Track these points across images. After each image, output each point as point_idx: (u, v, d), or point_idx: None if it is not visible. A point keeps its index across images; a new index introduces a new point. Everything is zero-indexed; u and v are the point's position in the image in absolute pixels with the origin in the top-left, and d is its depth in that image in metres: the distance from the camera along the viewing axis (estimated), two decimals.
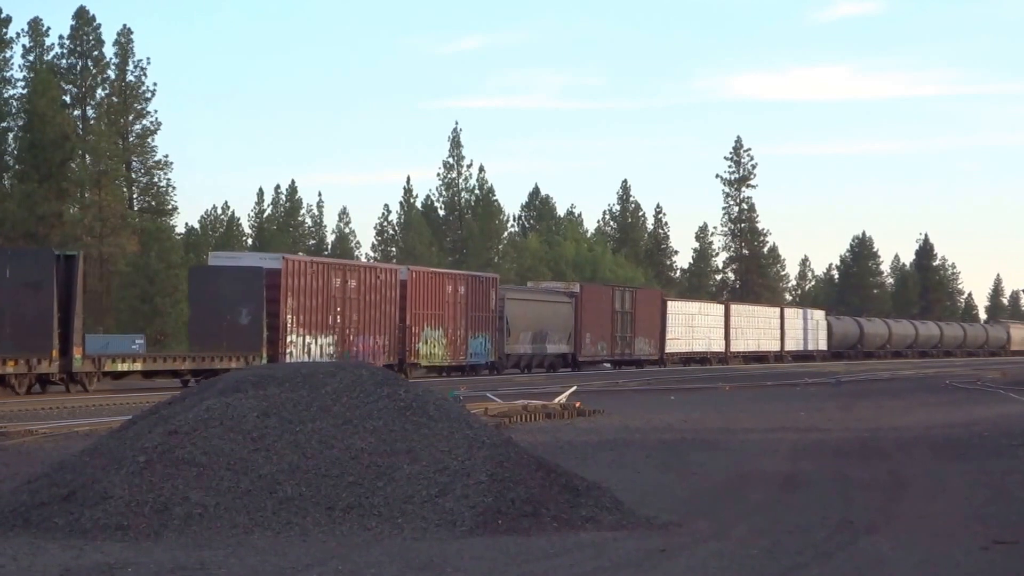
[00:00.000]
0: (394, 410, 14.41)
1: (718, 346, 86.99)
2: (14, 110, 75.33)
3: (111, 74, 79.54)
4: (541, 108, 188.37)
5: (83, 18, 78.58)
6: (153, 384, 41.76)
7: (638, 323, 74.51)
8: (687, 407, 35.21)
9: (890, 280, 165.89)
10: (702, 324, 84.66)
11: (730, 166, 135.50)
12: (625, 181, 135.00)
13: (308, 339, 45.94)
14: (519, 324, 61.11)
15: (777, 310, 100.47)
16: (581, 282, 74.46)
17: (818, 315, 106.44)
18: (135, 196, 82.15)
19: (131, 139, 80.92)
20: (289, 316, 44.94)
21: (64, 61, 78.40)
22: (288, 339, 44.77)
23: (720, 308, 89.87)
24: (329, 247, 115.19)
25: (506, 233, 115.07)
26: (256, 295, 43.69)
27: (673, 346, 79.95)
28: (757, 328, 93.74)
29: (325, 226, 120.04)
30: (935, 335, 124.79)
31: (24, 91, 75.50)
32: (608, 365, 71.85)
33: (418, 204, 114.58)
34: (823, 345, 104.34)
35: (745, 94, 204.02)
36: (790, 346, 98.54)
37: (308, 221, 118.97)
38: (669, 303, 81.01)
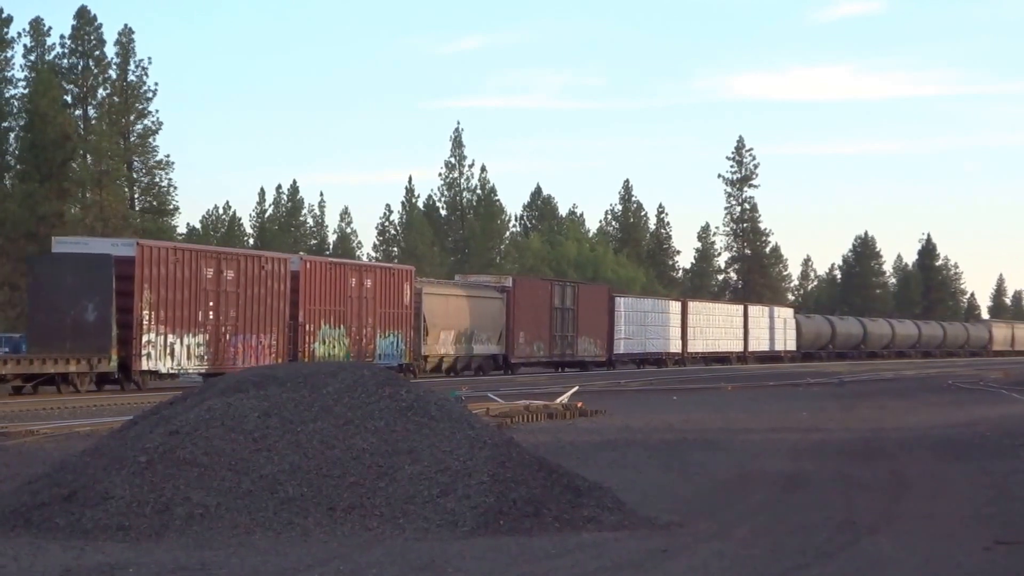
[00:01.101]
0: (395, 410, 14.40)
1: (675, 346, 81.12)
2: (15, 110, 75.39)
3: (112, 74, 79.63)
4: (543, 108, 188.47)
5: (84, 18, 78.63)
6: (153, 384, 41.66)
7: (581, 321, 68.10)
8: (689, 407, 35.20)
9: (893, 280, 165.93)
10: (656, 322, 78.60)
11: (732, 166, 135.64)
12: (627, 181, 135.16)
13: (171, 338, 40.01)
14: (439, 322, 55.10)
15: (740, 308, 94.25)
16: (514, 275, 68.69)
17: (785, 313, 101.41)
18: (136, 196, 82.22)
19: (132, 139, 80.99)
20: (146, 312, 39.03)
21: (65, 61, 78.46)
22: (145, 339, 39.02)
23: (677, 305, 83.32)
24: (331, 247, 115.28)
25: (508, 233, 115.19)
26: (104, 287, 37.98)
27: (623, 346, 73.75)
28: (718, 327, 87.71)
29: (327, 226, 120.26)
30: (912, 335, 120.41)
31: (25, 91, 75.57)
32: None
33: (420, 204, 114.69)
34: (792, 345, 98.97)
35: (746, 94, 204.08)
36: (755, 346, 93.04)
37: (310, 221, 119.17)
38: (618, 299, 74.70)
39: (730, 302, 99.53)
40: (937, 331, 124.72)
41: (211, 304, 41.73)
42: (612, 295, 74.54)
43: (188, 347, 40.81)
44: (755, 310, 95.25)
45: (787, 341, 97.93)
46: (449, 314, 55.93)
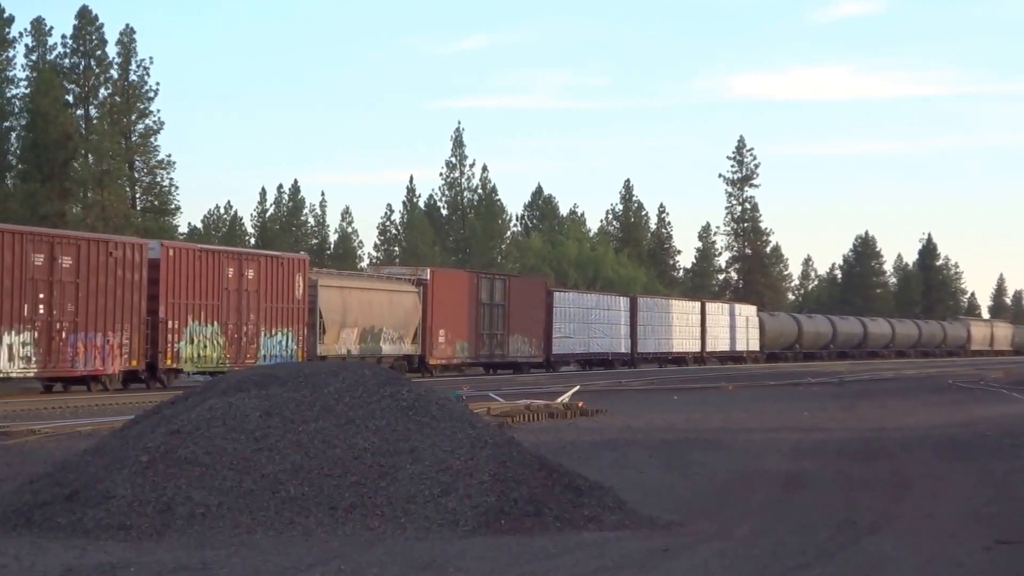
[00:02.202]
0: (396, 410, 14.42)
1: (623, 345, 75.23)
2: (17, 110, 75.39)
3: (114, 74, 79.58)
4: (543, 108, 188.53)
5: (86, 18, 78.62)
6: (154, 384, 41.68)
7: (513, 318, 62.00)
8: (689, 407, 35.21)
9: (893, 280, 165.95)
10: (601, 320, 72.46)
11: (733, 166, 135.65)
12: (628, 181, 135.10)
13: None
14: (340, 318, 49.31)
15: (697, 304, 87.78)
16: (433, 267, 62.20)
17: (748, 311, 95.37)
18: (138, 196, 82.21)
19: (134, 139, 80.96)
20: None
21: (67, 61, 78.43)
22: None
23: (625, 301, 76.98)
24: (332, 247, 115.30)
25: (509, 233, 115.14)
26: None
27: (563, 346, 67.78)
28: (671, 325, 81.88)
29: (328, 226, 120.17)
30: (886, 334, 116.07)
31: (27, 91, 75.56)
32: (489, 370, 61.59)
33: (421, 204, 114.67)
34: (755, 345, 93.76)
35: (747, 94, 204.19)
36: (713, 346, 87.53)
37: (311, 221, 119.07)
38: (556, 294, 68.85)
39: (686, 299, 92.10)
40: (912, 330, 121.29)
41: (41, 296, 36.38)
42: (550, 290, 69.08)
43: (10, 347, 35.46)
44: (713, 307, 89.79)
45: (749, 341, 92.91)
46: (352, 309, 50.01)
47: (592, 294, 77.14)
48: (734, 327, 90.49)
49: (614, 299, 76.22)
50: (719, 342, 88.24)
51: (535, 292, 66.14)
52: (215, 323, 42.40)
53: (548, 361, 65.74)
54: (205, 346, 41.99)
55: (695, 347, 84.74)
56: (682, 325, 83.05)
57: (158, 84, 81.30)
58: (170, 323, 40.47)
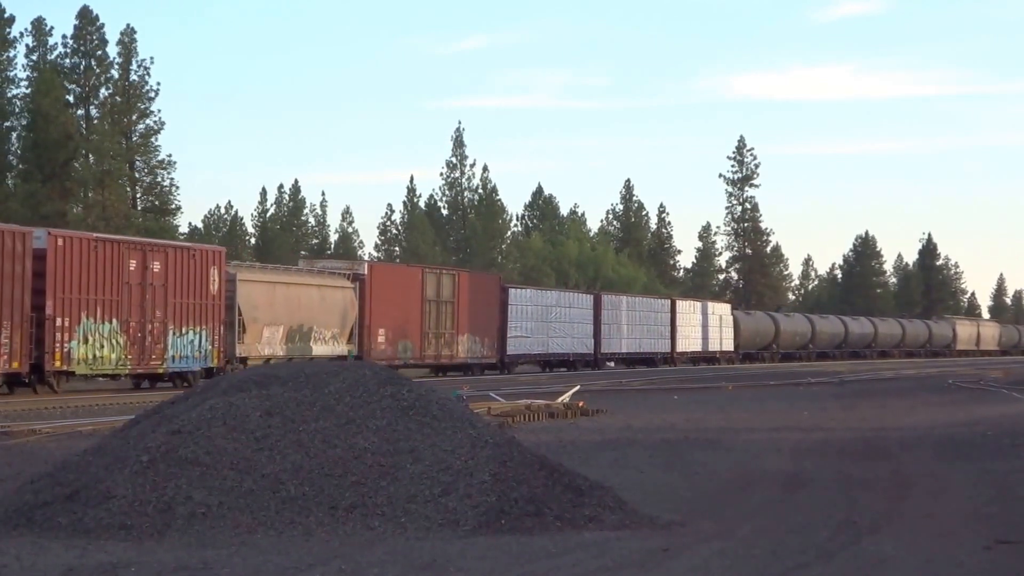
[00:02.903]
0: (397, 410, 14.42)
1: (584, 346, 70.84)
2: (18, 110, 75.46)
3: (114, 74, 79.65)
4: (544, 108, 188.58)
5: (86, 18, 78.67)
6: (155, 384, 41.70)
7: (463, 316, 57.79)
8: (690, 406, 35.22)
9: (893, 280, 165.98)
10: (562, 319, 68.24)
11: (733, 166, 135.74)
12: (628, 181, 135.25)
13: None
14: (262, 316, 45.18)
15: (667, 302, 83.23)
16: (371, 261, 57.79)
17: (721, 309, 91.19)
18: (138, 196, 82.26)
19: (134, 139, 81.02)
20: None
21: (67, 61, 78.50)
22: None
23: (587, 299, 73.01)
24: (332, 246, 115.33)
25: (509, 233, 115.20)
26: None
27: (519, 346, 63.43)
28: (639, 324, 77.53)
29: (328, 226, 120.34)
30: (868, 333, 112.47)
31: (28, 91, 75.63)
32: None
33: (421, 204, 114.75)
34: (729, 345, 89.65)
35: (747, 94, 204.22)
36: (684, 346, 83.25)
37: (311, 221, 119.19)
38: (512, 291, 64.36)
39: (655, 296, 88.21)
40: (895, 329, 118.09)
41: None
42: (504, 286, 64.58)
43: None
44: (684, 305, 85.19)
45: (723, 340, 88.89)
46: (277, 306, 45.94)
47: (552, 291, 72.82)
48: (707, 326, 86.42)
49: (576, 296, 72.83)
50: (690, 342, 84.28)
51: (488, 288, 61.99)
52: (113, 321, 38.22)
53: (503, 362, 61.76)
54: (102, 346, 37.81)
55: (664, 347, 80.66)
56: (650, 324, 79.06)
57: (159, 84, 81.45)
58: (59, 320, 36.39)
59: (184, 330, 40.93)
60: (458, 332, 57.52)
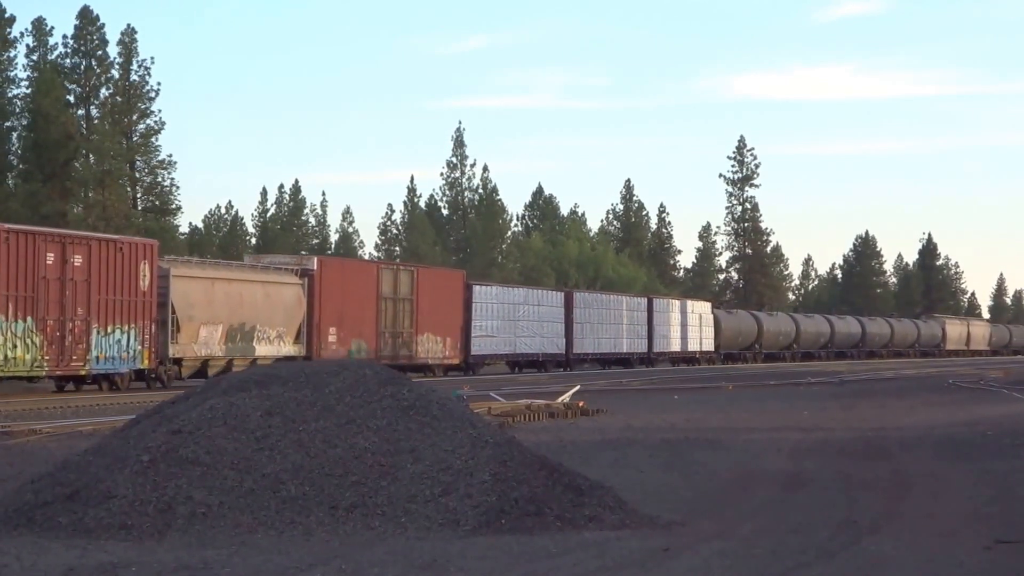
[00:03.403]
0: (397, 409, 14.43)
1: (556, 345, 67.56)
2: (18, 110, 75.47)
3: (115, 74, 79.65)
4: (544, 108, 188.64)
5: (87, 18, 78.67)
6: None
7: (423, 314, 54.66)
8: (690, 406, 35.23)
9: (893, 280, 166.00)
10: (530, 317, 64.92)
11: (733, 166, 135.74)
12: (628, 180, 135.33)
13: None
14: (199, 314, 42.33)
15: (644, 300, 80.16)
16: (321, 256, 54.96)
17: (701, 308, 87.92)
18: (139, 196, 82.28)
19: (135, 139, 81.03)
20: None
21: (68, 61, 78.50)
22: None
23: (559, 297, 69.74)
24: (333, 247, 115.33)
25: (509, 233, 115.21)
26: None
27: (484, 346, 60.49)
28: (614, 323, 74.44)
29: (329, 226, 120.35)
30: (855, 333, 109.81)
31: (28, 91, 75.64)
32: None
33: (422, 204, 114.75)
34: (709, 345, 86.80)
35: (748, 94, 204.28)
36: (662, 346, 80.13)
37: (312, 221, 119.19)
38: (477, 288, 61.01)
39: (631, 294, 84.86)
40: (884, 329, 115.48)
41: None
42: (468, 282, 60.96)
43: None
44: (662, 303, 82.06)
45: (703, 340, 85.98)
46: (216, 303, 43.12)
47: (520, 288, 68.64)
48: (686, 325, 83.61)
49: (546, 294, 69.61)
50: (669, 342, 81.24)
51: (450, 285, 58.71)
52: (28, 318, 35.52)
53: (467, 363, 58.57)
54: (15, 346, 35.20)
55: (641, 347, 77.65)
56: (626, 323, 75.99)
57: (159, 84, 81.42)
58: None
59: (110, 329, 38.16)
60: (417, 331, 54.50)
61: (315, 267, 48.94)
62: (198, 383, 39.33)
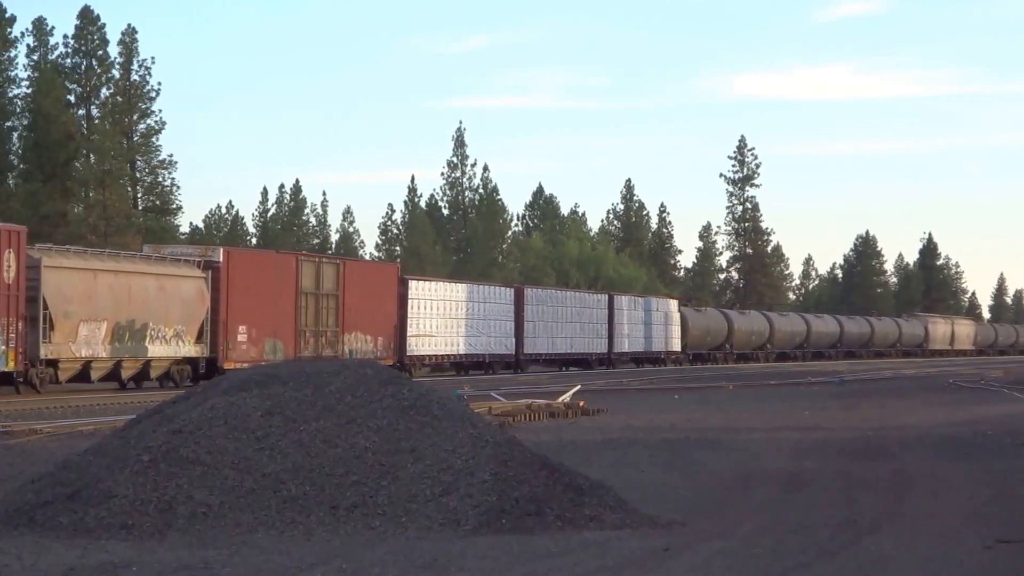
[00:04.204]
0: (398, 409, 14.43)
1: (504, 346, 62.93)
2: (19, 109, 75.49)
3: (115, 74, 79.68)
4: (545, 108, 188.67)
5: (87, 18, 78.69)
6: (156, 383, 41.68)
7: (351, 311, 50.08)
8: (690, 406, 35.23)
9: (894, 279, 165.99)
10: (476, 315, 60.35)
11: (734, 165, 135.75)
12: (629, 180, 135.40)
13: None
14: (78, 310, 37.82)
15: (603, 297, 75.44)
16: (228, 247, 50.06)
17: (667, 306, 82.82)
18: (139, 195, 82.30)
19: (135, 138, 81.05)
20: None
21: (68, 60, 78.52)
22: None
23: (507, 293, 64.48)
24: (333, 246, 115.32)
25: (510, 232, 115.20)
26: None
27: (423, 346, 55.93)
28: (569, 321, 69.59)
29: (329, 225, 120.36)
30: (832, 332, 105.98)
31: (28, 91, 75.67)
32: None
33: (422, 203, 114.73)
34: (676, 345, 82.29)
35: (748, 93, 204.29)
36: (623, 346, 75.52)
37: (312, 220, 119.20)
38: (413, 283, 56.40)
39: (589, 291, 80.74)
40: (863, 328, 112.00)
41: None
42: (404, 277, 56.51)
43: None
44: (624, 301, 77.11)
45: (669, 340, 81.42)
46: (99, 298, 38.61)
47: (462, 284, 63.66)
48: (650, 324, 79.11)
49: (493, 290, 64.13)
50: (631, 341, 76.57)
51: (383, 280, 54.06)
52: None
53: (402, 364, 52.78)
54: None
55: (600, 347, 73.12)
56: (584, 321, 71.21)
57: (160, 84, 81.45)
58: None
59: None
60: (344, 330, 49.84)
61: (221, 258, 44.16)
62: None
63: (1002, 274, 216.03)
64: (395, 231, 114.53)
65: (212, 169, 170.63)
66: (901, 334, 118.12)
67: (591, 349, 72.15)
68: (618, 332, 74.88)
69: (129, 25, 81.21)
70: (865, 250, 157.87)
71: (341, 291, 49.62)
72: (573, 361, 70.47)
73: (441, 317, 57.42)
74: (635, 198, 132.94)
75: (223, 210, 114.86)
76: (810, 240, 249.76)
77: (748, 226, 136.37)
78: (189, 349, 41.94)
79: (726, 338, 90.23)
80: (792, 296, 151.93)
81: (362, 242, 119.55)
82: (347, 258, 58.22)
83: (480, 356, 61.03)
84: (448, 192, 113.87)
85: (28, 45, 77.47)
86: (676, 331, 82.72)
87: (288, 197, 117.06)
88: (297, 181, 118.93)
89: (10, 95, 75.35)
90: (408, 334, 54.72)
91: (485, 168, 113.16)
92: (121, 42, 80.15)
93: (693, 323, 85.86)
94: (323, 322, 48.71)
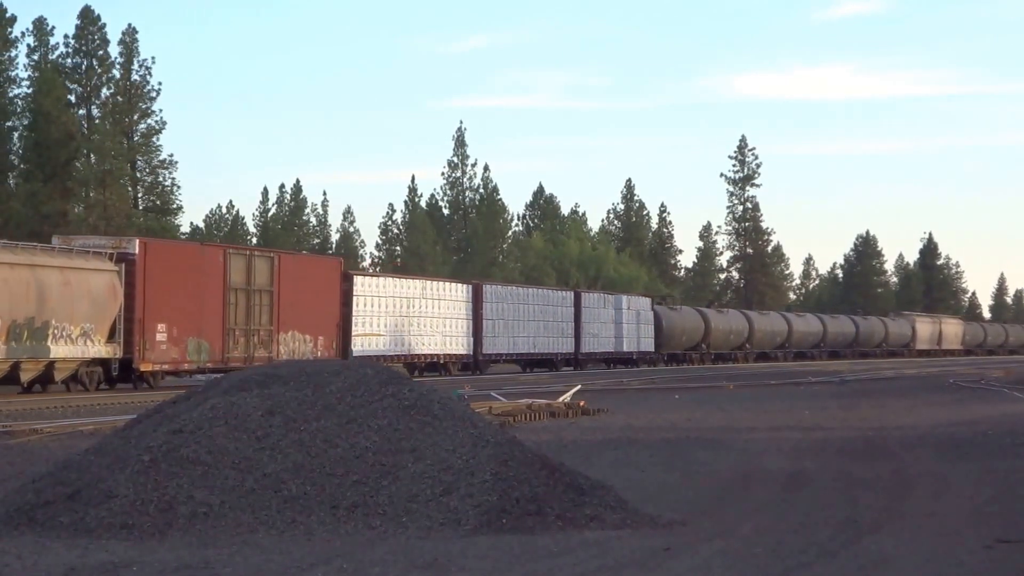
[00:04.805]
0: (398, 409, 14.43)
1: (461, 346, 59.67)
2: (19, 109, 75.56)
3: (116, 73, 79.77)
4: (545, 107, 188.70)
5: (88, 17, 78.74)
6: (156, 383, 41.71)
7: (287, 309, 46.71)
8: (691, 406, 35.22)
9: (894, 279, 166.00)
10: (429, 313, 57.00)
11: (734, 165, 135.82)
12: (629, 180, 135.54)
13: None
14: None
15: (569, 295, 72.19)
16: (145, 239, 46.38)
17: (639, 304, 79.39)
18: (140, 195, 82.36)
19: (136, 138, 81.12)
20: None
21: (69, 60, 78.60)
22: None
23: (464, 289, 61.13)
24: (333, 246, 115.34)
25: (510, 232, 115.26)
26: None
27: (369, 346, 52.44)
28: (533, 320, 65.93)
29: (330, 225, 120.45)
30: (815, 332, 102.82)
31: (29, 90, 75.72)
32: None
33: (422, 203, 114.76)
34: (648, 345, 78.73)
35: (749, 93, 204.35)
36: (592, 345, 71.92)
37: (313, 220, 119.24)
38: (359, 279, 53.26)
39: (555, 288, 76.67)
40: (847, 327, 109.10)
41: None
42: (348, 272, 53.03)
43: None
44: (592, 298, 74.06)
45: (641, 339, 77.88)
46: None
47: (415, 279, 59.86)
48: (620, 323, 75.37)
49: (448, 287, 60.63)
50: (600, 341, 72.98)
51: (324, 275, 50.49)
52: None
53: None
54: None
55: (567, 347, 69.53)
56: (548, 320, 67.59)
57: (160, 84, 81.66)
58: None
59: None
60: (279, 329, 46.46)
61: (137, 250, 40.66)
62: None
63: (1002, 274, 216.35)
64: (395, 231, 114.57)
65: (212, 169, 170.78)
66: (887, 334, 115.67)
67: (556, 349, 68.65)
68: (586, 331, 71.54)
69: (129, 25, 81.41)
70: (865, 250, 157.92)
71: (276, 287, 46.25)
72: (537, 362, 67.38)
73: (391, 315, 54.28)
74: (635, 198, 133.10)
75: (223, 210, 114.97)
76: (810, 240, 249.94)
77: (748, 226, 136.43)
78: (99, 349, 38.48)
79: (703, 338, 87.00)
80: (793, 296, 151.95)
81: (362, 242, 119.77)
82: (283, 251, 54.17)
83: (434, 357, 57.91)
84: (448, 192, 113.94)
85: (29, 45, 77.60)
86: (649, 330, 79.33)
87: (288, 197, 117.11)
88: (298, 181, 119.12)
89: (11, 95, 75.42)
90: (353, 333, 51.59)
91: (486, 168, 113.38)
92: (122, 42, 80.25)
93: (668, 322, 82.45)
94: (255, 320, 45.30)
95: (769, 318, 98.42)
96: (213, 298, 43.42)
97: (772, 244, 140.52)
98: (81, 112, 78.25)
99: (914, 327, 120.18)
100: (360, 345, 51.78)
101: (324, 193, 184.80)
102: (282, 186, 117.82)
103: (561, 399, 32.82)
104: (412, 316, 55.81)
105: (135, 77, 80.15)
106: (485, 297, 62.13)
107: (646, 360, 78.30)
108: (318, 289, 49.07)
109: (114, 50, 79.63)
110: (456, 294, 60.14)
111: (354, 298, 51.86)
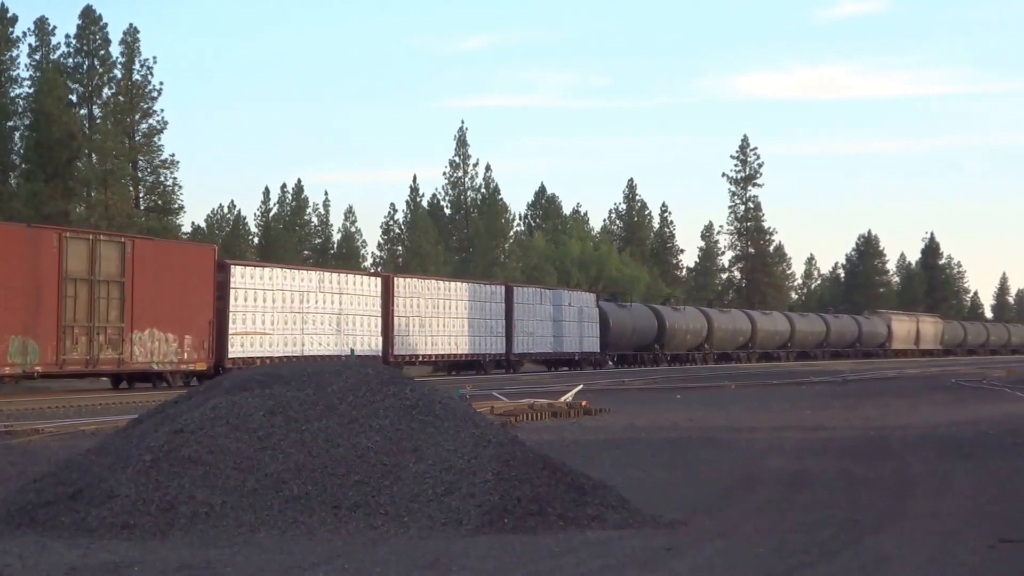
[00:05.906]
0: (400, 409, 14.43)
1: (368, 345, 52.74)
2: (20, 109, 75.62)
3: (117, 73, 79.78)
4: (547, 107, 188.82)
5: (89, 17, 78.77)
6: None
7: (143, 303, 40.60)
8: (692, 406, 35.21)
9: (896, 279, 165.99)
10: (328, 309, 50.52)
11: (736, 165, 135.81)
12: (631, 180, 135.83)
13: None
14: None
15: (500, 289, 64.73)
16: None
17: (582, 300, 72.91)
18: (141, 195, 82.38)
19: (137, 138, 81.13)
20: None
21: (70, 60, 78.64)
22: None
23: (373, 283, 54.40)
24: (335, 246, 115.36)
25: (512, 232, 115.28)
26: None
27: (253, 346, 46.22)
28: (455, 317, 59.48)
29: (331, 225, 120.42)
30: (782, 332, 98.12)
31: (30, 90, 75.77)
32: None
33: (424, 203, 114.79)
34: (593, 345, 72.19)
35: (751, 93, 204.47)
36: (526, 345, 65.26)
37: (314, 220, 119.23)
38: (238, 270, 46.50)
39: (482, 281, 68.97)
40: (818, 326, 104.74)
41: None
42: (224, 262, 46.37)
43: None
44: (526, 293, 66.74)
45: (584, 339, 71.36)
46: None
47: (312, 271, 52.74)
48: (560, 321, 68.90)
49: (352, 279, 53.45)
50: (535, 340, 66.34)
51: (191, 265, 43.50)
52: None
53: (220, 368, 42.96)
54: None
55: (497, 347, 63.08)
56: (474, 317, 61.09)
57: (161, 83, 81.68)
58: None
59: None
60: (133, 326, 40.25)
61: None
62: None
63: (1004, 273, 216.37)
64: (397, 231, 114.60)
65: (214, 169, 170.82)
66: (861, 333, 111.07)
67: (484, 349, 62.13)
68: (519, 329, 64.74)
69: (131, 25, 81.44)
70: (867, 250, 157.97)
71: (129, 277, 39.93)
72: (463, 364, 61.61)
73: (280, 311, 47.73)
74: (637, 198, 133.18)
75: (225, 210, 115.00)
76: (812, 240, 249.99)
77: (750, 225, 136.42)
78: None
79: (656, 338, 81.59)
80: (794, 296, 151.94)
81: (364, 241, 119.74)
82: (137, 236, 45.76)
83: (334, 358, 48.91)
84: (450, 192, 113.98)
85: (30, 45, 77.66)
86: (594, 329, 72.81)
87: (290, 197, 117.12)
88: (299, 181, 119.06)
89: (12, 95, 75.48)
90: (230, 332, 45.11)
91: (487, 168, 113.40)
92: (123, 42, 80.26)
93: (615, 321, 75.83)
94: (101, 316, 38.98)
95: (731, 317, 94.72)
96: (46, 291, 37.25)
97: (774, 244, 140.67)
98: (82, 112, 78.27)
99: (890, 326, 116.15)
100: (240, 345, 45.65)
101: (326, 193, 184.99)
102: (284, 186, 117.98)
103: (563, 399, 32.83)
104: (307, 312, 49.31)
105: (136, 77, 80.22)
106: (396, 291, 55.43)
107: (590, 362, 71.94)
108: (185, 280, 42.54)
109: (115, 50, 79.74)
110: (364, 288, 53.41)
111: (231, 291, 45.27)
